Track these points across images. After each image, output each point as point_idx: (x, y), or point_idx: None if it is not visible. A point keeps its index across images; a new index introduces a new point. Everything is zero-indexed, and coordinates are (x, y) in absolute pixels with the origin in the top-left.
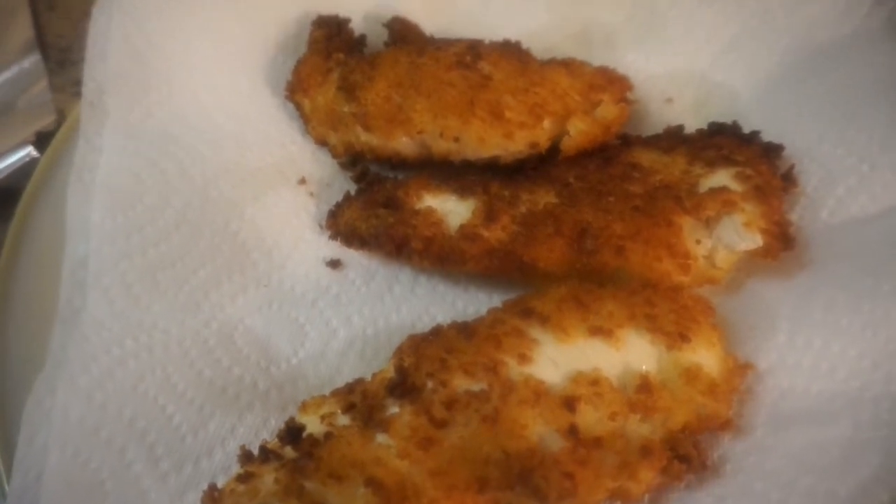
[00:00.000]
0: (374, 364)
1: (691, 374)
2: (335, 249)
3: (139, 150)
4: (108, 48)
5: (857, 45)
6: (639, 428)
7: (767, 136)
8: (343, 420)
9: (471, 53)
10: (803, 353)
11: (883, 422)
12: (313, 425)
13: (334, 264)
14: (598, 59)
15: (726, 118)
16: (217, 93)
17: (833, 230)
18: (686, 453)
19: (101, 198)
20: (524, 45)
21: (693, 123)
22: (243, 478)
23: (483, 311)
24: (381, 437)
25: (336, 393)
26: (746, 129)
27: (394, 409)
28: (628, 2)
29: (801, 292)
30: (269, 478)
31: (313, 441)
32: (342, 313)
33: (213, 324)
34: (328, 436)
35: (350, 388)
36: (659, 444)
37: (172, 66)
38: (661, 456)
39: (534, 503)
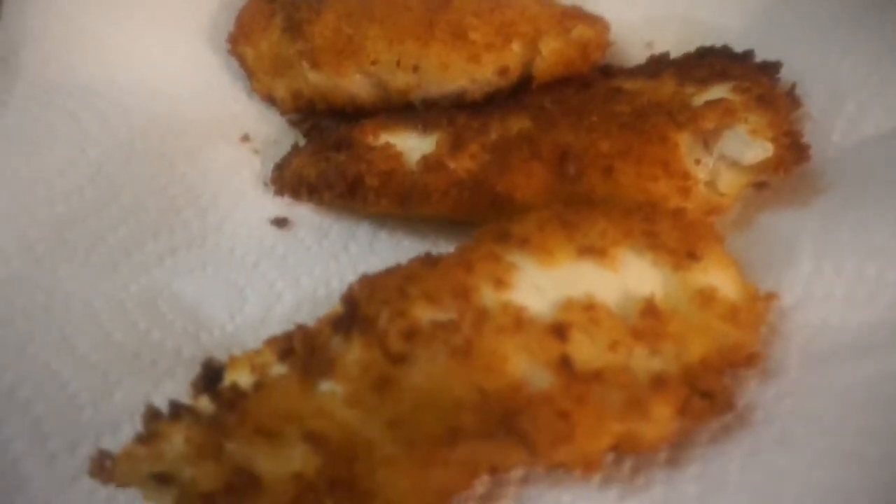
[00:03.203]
0: None
1: (705, 297)
2: (283, 208)
3: (53, 101)
4: (26, 4)
5: None
6: (647, 362)
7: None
8: (278, 369)
9: None
10: (834, 282)
11: None
12: (241, 377)
13: (281, 223)
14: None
15: None
16: (151, 52)
17: (848, 153)
18: (708, 388)
19: (1, 147)
20: None
21: None
22: (145, 439)
23: None
24: (325, 385)
25: (272, 341)
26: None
27: (341, 349)
28: None
29: (823, 216)
30: (178, 438)
31: (238, 392)
32: (289, 275)
33: (131, 287)
34: (257, 386)
35: (289, 334)
36: (674, 377)
37: (100, 23)
38: (679, 390)
39: (520, 454)
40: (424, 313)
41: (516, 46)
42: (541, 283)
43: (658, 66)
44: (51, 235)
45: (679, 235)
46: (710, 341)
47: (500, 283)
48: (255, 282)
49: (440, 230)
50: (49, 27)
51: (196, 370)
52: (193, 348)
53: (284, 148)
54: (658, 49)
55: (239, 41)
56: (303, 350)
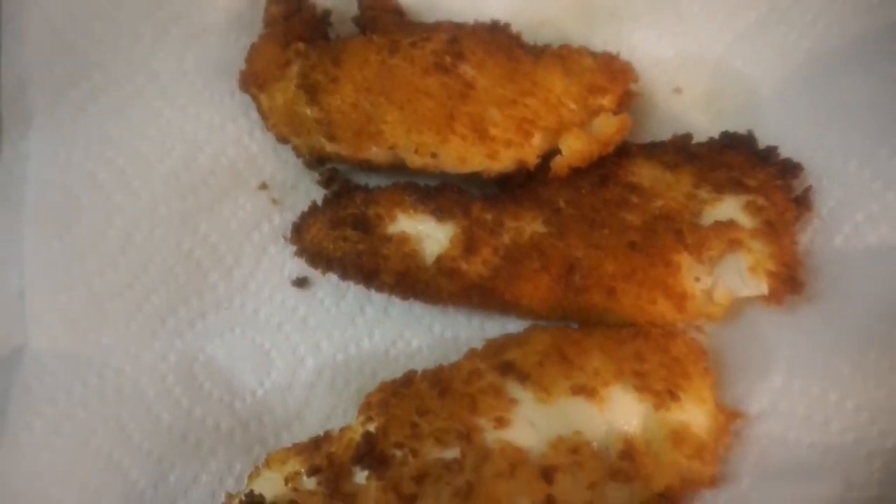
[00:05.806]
0: (344, 395)
1: (678, 437)
2: (302, 265)
3: (72, 160)
4: (24, 28)
5: None
6: (617, 492)
7: (785, 142)
8: (308, 483)
9: (451, 52)
10: (798, 400)
11: (874, 481)
12: (276, 486)
13: (301, 283)
14: (599, 35)
15: (740, 115)
16: (159, 80)
17: (846, 259)
18: None
19: (32, 222)
20: (517, 16)
21: (702, 119)
22: None
23: (462, 335)
24: None
25: (301, 450)
26: (762, 135)
27: (361, 479)
28: None
29: (804, 330)
30: None
31: None
32: (310, 338)
33: (170, 355)
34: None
35: (316, 445)
36: None
37: (104, 49)
38: None
39: None
40: (432, 452)
41: (536, 140)
42: (536, 419)
43: (678, 155)
44: (91, 310)
45: (665, 373)
46: (675, 475)
47: (500, 422)
48: (280, 344)
49: None
50: (52, 56)
51: (234, 444)
52: (230, 420)
53: (302, 194)
54: (685, 97)
55: (251, 84)
56: (329, 472)
